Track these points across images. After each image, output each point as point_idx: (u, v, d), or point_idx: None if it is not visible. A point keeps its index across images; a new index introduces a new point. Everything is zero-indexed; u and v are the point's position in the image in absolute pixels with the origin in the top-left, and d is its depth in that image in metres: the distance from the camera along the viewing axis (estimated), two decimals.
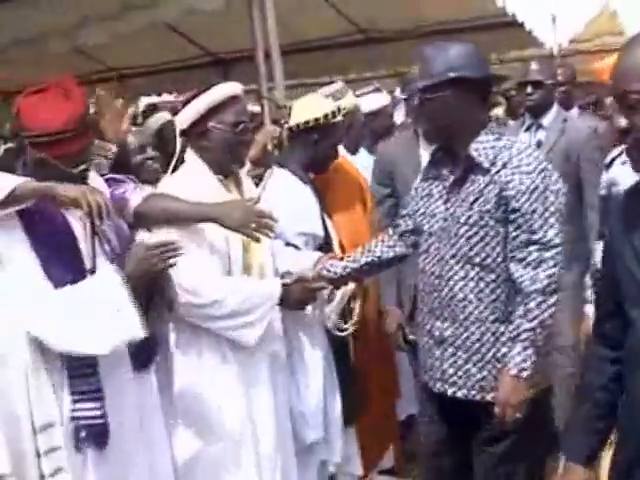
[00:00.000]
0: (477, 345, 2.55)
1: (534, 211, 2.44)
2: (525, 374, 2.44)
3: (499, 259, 2.50)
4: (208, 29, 6.14)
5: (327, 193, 3.28)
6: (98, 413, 2.31)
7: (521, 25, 5.86)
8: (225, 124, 2.71)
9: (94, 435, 2.30)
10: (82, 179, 2.38)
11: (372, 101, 4.34)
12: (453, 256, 2.55)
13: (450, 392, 2.61)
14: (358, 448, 3.33)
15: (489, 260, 2.51)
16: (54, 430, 2.26)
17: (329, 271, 2.87)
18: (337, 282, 2.91)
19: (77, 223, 2.37)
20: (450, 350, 2.60)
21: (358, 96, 4.04)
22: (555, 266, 2.45)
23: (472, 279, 2.53)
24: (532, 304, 2.43)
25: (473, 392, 2.57)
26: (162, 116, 3.61)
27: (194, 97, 2.74)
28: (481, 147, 2.52)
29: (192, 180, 2.70)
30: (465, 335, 2.57)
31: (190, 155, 2.77)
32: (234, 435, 2.68)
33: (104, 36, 4.84)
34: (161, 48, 6.59)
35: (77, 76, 7.21)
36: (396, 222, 2.88)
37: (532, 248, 2.45)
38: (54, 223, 2.34)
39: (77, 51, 5.99)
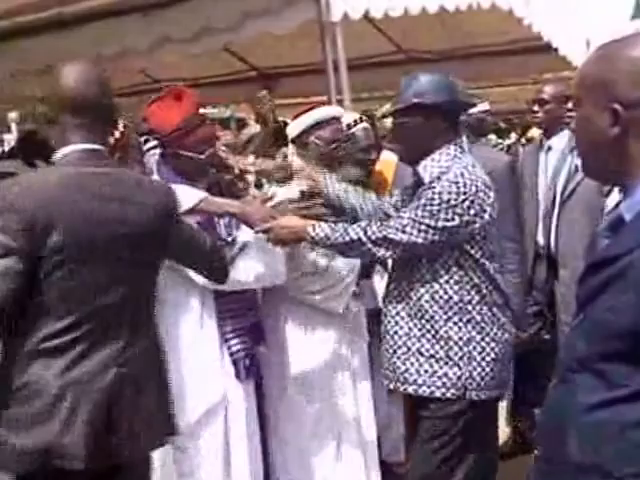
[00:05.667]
0: (404, 339, 2.71)
1: (430, 199, 2.58)
2: (308, 233, 2.67)
3: (420, 264, 2.69)
4: (255, 46, 6.31)
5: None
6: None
7: (555, 49, 6.20)
8: (322, 140, 3.16)
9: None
10: (209, 163, 2.85)
11: None
12: None
13: (385, 384, 2.84)
14: None
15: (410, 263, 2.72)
16: None
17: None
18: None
19: None
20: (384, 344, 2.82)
21: None
22: (400, 239, 2.59)
23: (396, 280, 2.79)
24: (370, 229, 2.62)
25: (398, 384, 2.75)
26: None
27: (304, 112, 3.20)
28: (430, 165, 2.70)
29: None
30: (394, 329, 2.75)
31: (297, 161, 3.20)
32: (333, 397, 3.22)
33: (176, 56, 5.12)
34: (207, 62, 6.79)
35: (137, 92, 7.47)
36: (386, 200, 3.03)
37: (405, 215, 2.62)
38: None
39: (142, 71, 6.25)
